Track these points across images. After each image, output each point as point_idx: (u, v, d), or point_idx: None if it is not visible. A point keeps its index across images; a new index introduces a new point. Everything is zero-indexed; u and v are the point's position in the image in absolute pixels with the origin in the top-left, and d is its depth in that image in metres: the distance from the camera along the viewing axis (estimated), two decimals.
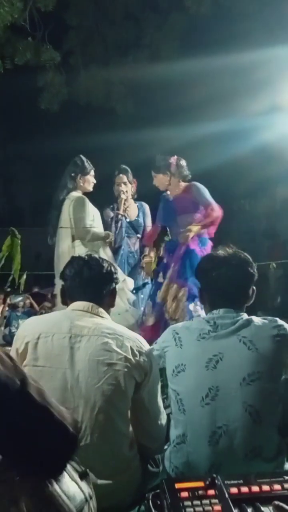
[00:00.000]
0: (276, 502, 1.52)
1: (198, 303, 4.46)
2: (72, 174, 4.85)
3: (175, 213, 4.88)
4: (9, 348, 2.38)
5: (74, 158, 4.90)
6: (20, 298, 8.86)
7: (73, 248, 4.73)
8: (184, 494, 1.60)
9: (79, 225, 4.72)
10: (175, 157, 4.93)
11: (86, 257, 2.50)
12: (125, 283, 4.81)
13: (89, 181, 4.93)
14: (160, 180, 4.91)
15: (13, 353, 2.33)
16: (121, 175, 5.25)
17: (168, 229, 4.96)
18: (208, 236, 4.81)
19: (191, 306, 4.54)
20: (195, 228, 4.63)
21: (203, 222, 4.70)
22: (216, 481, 1.64)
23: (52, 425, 1.18)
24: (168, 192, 4.98)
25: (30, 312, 8.63)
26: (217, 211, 4.70)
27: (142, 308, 5.01)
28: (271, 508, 1.57)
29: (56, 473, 1.34)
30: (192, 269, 4.56)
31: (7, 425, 1.15)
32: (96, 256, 2.54)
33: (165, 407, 2.42)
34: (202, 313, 3.85)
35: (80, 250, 4.67)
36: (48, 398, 1.22)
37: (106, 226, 5.10)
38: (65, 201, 4.85)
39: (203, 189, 4.82)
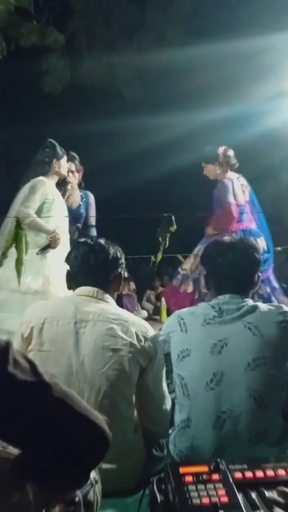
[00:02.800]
0: (281, 488, 1.53)
1: None
2: (46, 159, 4.53)
3: (216, 206, 5.11)
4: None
5: (45, 143, 4.62)
6: None
7: None
8: (189, 478, 1.61)
9: (20, 209, 4.30)
10: (223, 147, 5.11)
11: (91, 241, 2.48)
12: None
13: (64, 166, 4.70)
14: (210, 170, 5.11)
15: (18, 338, 2.33)
16: (69, 162, 4.99)
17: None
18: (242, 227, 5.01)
19: None
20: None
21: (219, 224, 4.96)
22: (221, 466, 1.64)
23: (89, 430, 1.14)
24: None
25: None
26: (229, 212, 4.94)
27: None
28: (275, 493, 1.58)
29: (84, 480, 1.30)
30: None
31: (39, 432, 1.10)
32: (102, 241, 2.52)
33: (170, 392, 2.43)
34: None
35: None
36: (77, 399, 1.17)
37: None
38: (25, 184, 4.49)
39: (225, 187, 5.00)
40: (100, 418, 1.15)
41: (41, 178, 4.46)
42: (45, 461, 1.11)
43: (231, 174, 5.09)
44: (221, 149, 5.07)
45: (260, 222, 5.18)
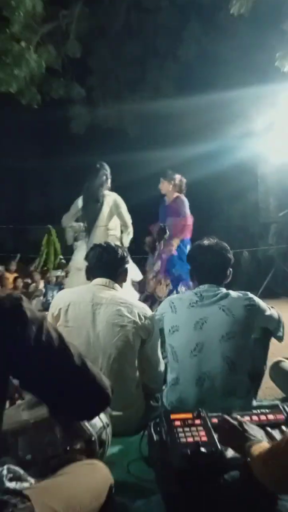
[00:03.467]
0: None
1: (183, 286, 4.70)
2: (105, 177, 4.37)
3: (167, 215, 5.01)
4: (47, 313, 2.38)
5: (101, 163, 4.43)
6: (58, 273, 8.76)
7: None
8: (177, 423, 1.61)
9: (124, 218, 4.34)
10: (180, 175, 5.05)
11: (104, 244, 2.49)
12: None
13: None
14: (165, 186, 5.02)
15: (49, 317, 2.33)
16: None
17: (167, 229, 4.93)
18: (188, 237, 4.93)
19: (180, 288, 4.70)
20: (175, 242, 4.85)
21: (178, 234, 4.87)
22: (201, 414, 1.64)
23: (94, 385, 1.14)
24: (165, 197, 5.04)
25: (60, 284, 8.64)
26: (188, 221, 4.91)
27: None
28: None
29: (90, 419, 1.32)
30: (173, 266, 4.82)
31: (58, 380, 1.10)
32: (112, 244, 2.52)
33: (163, 358, 2.42)
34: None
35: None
36: (89, 363, 1.17)
37: None
38: (105, 197, 4.33)
39: (184, 203, 4.95)
40: (105, 380, 1.16)
41: (109, 192, 4.40)
42: (65, 402, 1.13)
43: (177, 194, 5.03)
44: (178, 176, 5.02)
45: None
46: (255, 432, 1.43)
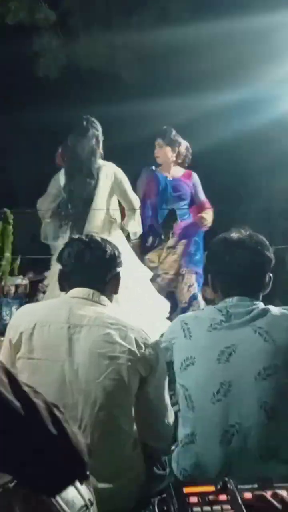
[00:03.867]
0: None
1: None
2: (95, 140, 4.42)
3: (170, 195, 5.07)
4: (2, 338, 2.38)
5: (88, 119, 4.46)
6: (19, 280, 8.74)
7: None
8: (193, 499, 1.60)
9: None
10: (186, 142, 5.13)
11: (86, 238, 2.48)
12: None
13: None
14: (165, 153, 5.06)
15: (6, 344, 2.33)
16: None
17: (177, 213, 4.97)
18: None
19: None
20: (209, 218, 5.03)
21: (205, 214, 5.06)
22: (228, 485, 1.63)
23: (65, 450, 1.18)
24: (160, 169, 5.07)
25: (21, 298, 8.65)
26: (210, 209, 5.11)
27: None
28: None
29: (57, 493, 1.36)
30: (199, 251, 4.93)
31: (18, 446, 1.14)
32: (98, 238, 2.51)
33: (173, 404, 2.43)
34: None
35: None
36: (63, 419, 1.21)
37: None
38: (101, 169, 4.41)
39: (198, 183, 5.15)
40: (79, 440, 1.22)
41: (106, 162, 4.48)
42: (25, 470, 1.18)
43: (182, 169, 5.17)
44: (185, 142, 5.14)
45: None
46: None
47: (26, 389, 1.17)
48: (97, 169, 4.38)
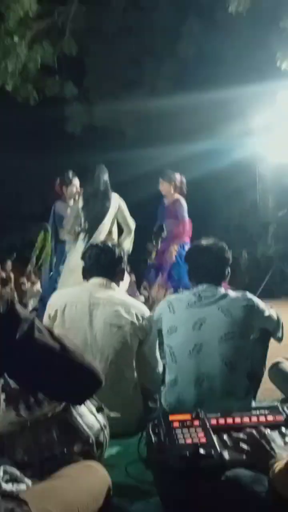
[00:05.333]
0: (246, 430, 1.53)
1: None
2: (107, 178, 4.28)
3: (165, 216, 4.93)
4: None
5: (101, 166, 4.32)
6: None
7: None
8: (176, 424, 1.61)
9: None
10: (180, 175, 4.97)
11: (101, 245, 2.49)
12: None
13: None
14: (165, 187, 4.92)
15: (45, 318, 2.33)
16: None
17: (164, 227, 4.88)
18: (187, 241, 4.82)
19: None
20: (174, 249, 4.74)
21: (176, 239, 4.78)
22: (200, 415, 1.64)
23: (83, 367, 1.19)
24: (165, 199, 5.01)
25: None
26: (186, 226, 4.82)
27: None
28: (241, 434, 1.58)
29: (81, 402, 1.37)
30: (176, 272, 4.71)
31: (56, 373, 1.16)
32: (109, 243, 2.53)
33: (161, 358, 2.42)
34: None
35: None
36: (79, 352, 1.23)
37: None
38: (112, 197, 4.23)
39: (183, 206, 4.87)
40: (96, 367, 1.23)
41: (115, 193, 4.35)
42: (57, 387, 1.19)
43: (178, 195, 4.96)
44: (178, 175, 4.93)
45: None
46: (282, 451, 1.43)
47: (59, 336, 1.19)
48: (111, 195, 4.25)
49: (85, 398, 1.34)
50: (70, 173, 4.60)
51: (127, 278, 4.43)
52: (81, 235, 4.21)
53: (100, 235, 4.10)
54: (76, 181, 4.56)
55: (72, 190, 4.51)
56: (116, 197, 4.31)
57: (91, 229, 4.17)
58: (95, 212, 4.21)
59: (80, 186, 4.55)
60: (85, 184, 4.40)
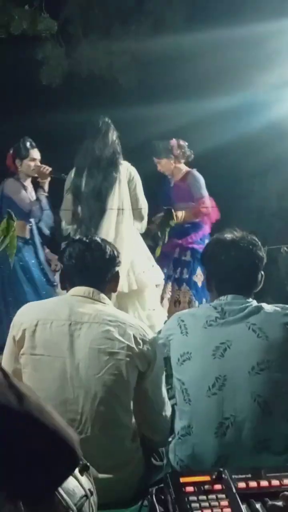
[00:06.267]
0: (286, 493, 1.53)
1: None
2: (116, 138, 4.37)
3: (174, 199, 5.04)
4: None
5: (105, 120, 4.40)
6: None
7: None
8: (190, 488, 1.61)
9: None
10: (174, 139, 4.98)
11: (87, 239, 2.49)
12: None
13: None
14: (165, 165, 4.95)
15: (10, 341, 2.34)
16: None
17: (173, 212, 4.87)
18: (208, 231, 4.95)
19: None
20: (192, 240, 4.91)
21: (193, 228, 4.97)
22: (223, 475, 1.64)
23: (56, 446, 1.16)
24: (170, 177, 5.02)
25: None
26: (208, 207, 4.91)
27: None
28: (280, 502, 1.58)
29: (51, 491, 1.34)
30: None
31: (6, 445, 1.12)
32: (98, 238, 2.52)
33: (170, 398, 2.43)
34: None
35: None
36: (50, 415, 1.18)
37: None
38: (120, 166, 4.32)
39: (198, 180, 4.98)
40: (71, 436, 1.18)
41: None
42: (13, 471, 1.14)
43: (185, 166, 5.08)
44: (173, 142, 5.01)
45: None
46: None
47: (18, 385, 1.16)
48: (119, 164, 4.29)
49: (53, 487, 1.31)
50: (28, 142, 4.60)
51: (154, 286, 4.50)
52: (74, 227, 4.24)
53: (106, 225, 4.17)
54: (35, 154, 4.56)
55: (30, 165, 4.51)
56: (125, 165, 4.34)
57: (91, 216, 4.22)
58: (98, 187, 4.23)
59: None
60: (88, 144, 4.33)
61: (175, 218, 4.82)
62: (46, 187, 4.55)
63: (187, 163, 5.08)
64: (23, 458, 1.12)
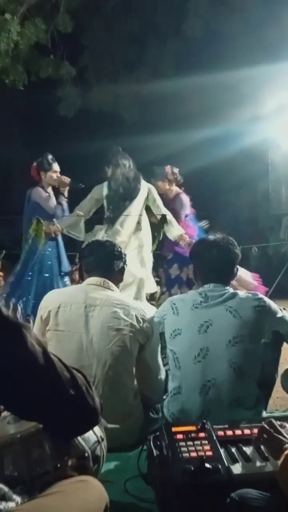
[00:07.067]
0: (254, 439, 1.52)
1: None
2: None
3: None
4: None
5: (118, 150, 4.45)
6: None
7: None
8: (180, 436, 1.61)
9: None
10: (169, 166, 4.94)
11: (103, 239, 2.53)
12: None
13: None
14: (160, 186, 4.90)
15: (38, 320, 2.33)
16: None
17: (167, 217, 4.82)
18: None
19: None
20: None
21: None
22: (206, 426, 1.64)
23: (81, 402, 1.15)
24: (164, 196, 4.97)
25: None
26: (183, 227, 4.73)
27: None
28: (251, 448, 1.58)
29: (76, 437, 1.35)
30: None
31: (42, 395, 1.11)
32: (110, 239, 2.56)
33: (164, 365, 2.42)
34: None
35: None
36: (78, 376, 1.17)
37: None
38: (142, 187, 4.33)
39: (183, 204, 4.86)
40: (95, 396, 1.19)
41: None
42: (49, 420, 1.15)
43: (176, 188, 4.99)
44: (168, 168, 4.93)
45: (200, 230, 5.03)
46: None
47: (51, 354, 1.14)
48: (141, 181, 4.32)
49: (79, 434, 1.32)
50: (50, 156, 4.48)
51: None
52: (103, 229, 4.22)
53: (126, 228, 4.15)
54: (56, 167, 4.46)
55: (52, 176, 4.41)
56: (145, 184, 4.35)
57: (115, 220, 4.21)
58: (123, 197, 4.24)
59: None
60: (118, 168, 4.35)
61: (168, 222, 4.78)
62: (66, 193, 4.51)
63: (177, 185, 5.03)
64: (63, 408, 1.12)
